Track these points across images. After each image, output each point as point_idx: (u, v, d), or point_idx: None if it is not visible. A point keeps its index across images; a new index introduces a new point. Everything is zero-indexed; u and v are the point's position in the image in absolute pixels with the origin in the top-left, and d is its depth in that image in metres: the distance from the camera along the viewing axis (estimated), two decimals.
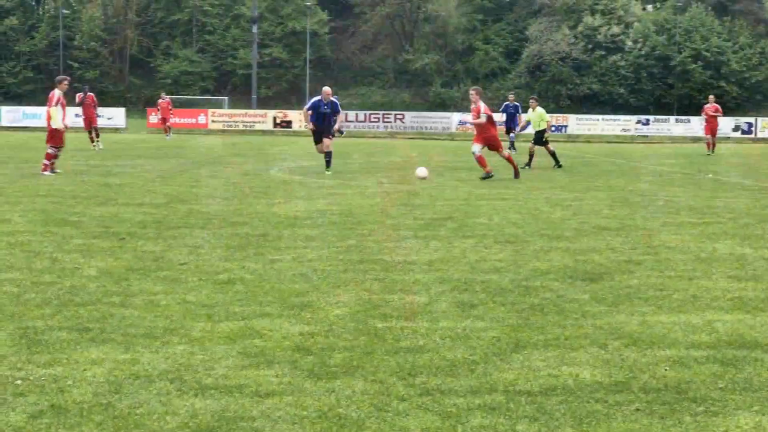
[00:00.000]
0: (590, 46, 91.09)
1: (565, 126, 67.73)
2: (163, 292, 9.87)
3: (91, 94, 42.26)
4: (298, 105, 77.23)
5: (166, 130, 55.11)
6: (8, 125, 65.94)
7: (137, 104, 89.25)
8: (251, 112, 72.88)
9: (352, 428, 5.87)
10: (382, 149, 45.46)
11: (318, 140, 27.94)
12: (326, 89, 28.07)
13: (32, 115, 67.23)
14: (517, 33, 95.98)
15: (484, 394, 6.59)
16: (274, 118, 68.19)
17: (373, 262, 11.84)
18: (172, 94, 79.18)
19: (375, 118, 69.53)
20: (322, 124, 27.70)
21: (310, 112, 27.72)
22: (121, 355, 7.47)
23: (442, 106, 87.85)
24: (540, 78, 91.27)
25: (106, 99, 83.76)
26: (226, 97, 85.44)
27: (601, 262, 12.08)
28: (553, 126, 67.41)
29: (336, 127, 28.18)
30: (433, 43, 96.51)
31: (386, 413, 6.16)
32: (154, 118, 62.03)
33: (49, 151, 25.59)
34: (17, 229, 14.51)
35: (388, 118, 69.48)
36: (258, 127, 67.64)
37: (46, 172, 25.10)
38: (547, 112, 35.83)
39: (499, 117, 39.41)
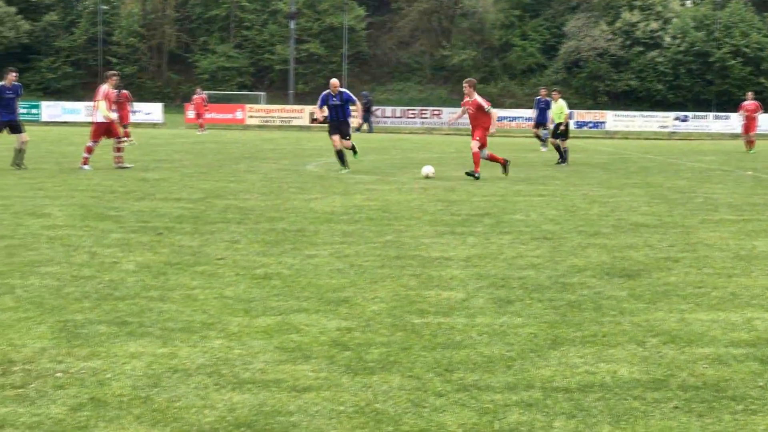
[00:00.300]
0: (628, 42, 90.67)
1: (603, 122, 67.45)
2: (201, 287, 9.92)
3: (126, 91, 42.37)
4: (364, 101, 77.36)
5: (201, 125, 55.35)
6: (48, 120, 66.46)
7: (175, 100, 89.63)
8: (288, 107, 73.07)
9: (389, 424, 5.88)
10: (419, 145, 45.44)
11: (333, 132, 26.84)
12: (333, 81, 27.29)
13: (72, 111, 67.77)
14: (555, 29, 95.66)
15: (521, 390, 6.58)
16: (311, 114, 68.31)
17: (410, 258, 11.84)
18: (210, 90, 79.54)
19: (412, 114, 69.55)
20: (336, 118, 26.84)
21: (324, 108, 26.90)
22: (160, 348, 7.51)
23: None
24: (577, 74, 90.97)
25: (144, 94, 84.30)
26: (262, 93, 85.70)
27: (638, 259, 12.03)
28: (591, 122, 67.19)
29: (355, 124, 27.26)
30: (470, 39, 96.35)
31: (423, 409, 6.16)
32: (191, 113, 62.32)
33: (89, 144, 25.78)
34: (57, 223, 14.61)
35: (425, 114, 69.49)
36: (295, 122, 67.80)
37: (85, 166, 25.31)
38: (585, 108, 35.73)
39: (531, 113, 39.21)
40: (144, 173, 24.12)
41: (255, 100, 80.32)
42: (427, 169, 24.79)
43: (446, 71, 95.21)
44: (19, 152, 25.11)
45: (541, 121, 40.90)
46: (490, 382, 6.75)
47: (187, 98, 73.86)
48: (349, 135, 26.90)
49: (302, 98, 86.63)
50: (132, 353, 7.36)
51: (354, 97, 27.26)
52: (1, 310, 8.71)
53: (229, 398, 6.31)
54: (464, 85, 25.64)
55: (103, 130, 26.10)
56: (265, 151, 36.52)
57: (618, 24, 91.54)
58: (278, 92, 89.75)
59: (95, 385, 6.55)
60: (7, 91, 25.85)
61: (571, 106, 42.47)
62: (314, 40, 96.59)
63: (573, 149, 32.54)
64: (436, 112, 69.32)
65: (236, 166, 27.22)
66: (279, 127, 65.78)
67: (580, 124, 66.89)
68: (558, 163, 31.54)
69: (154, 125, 63.32)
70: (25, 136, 25.46)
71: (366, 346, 7.64)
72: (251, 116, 69.01)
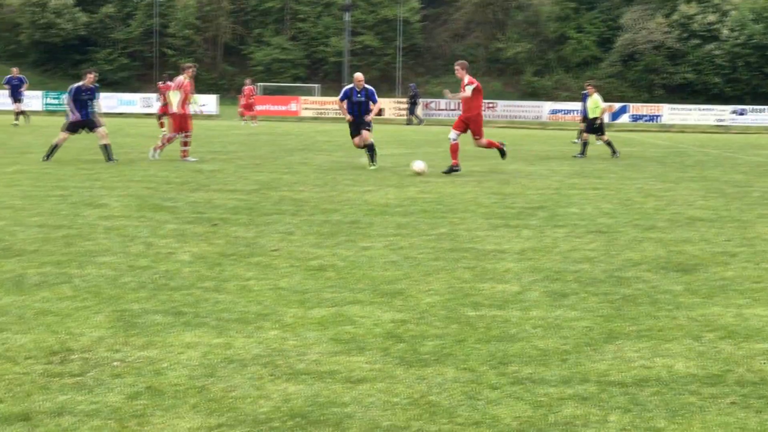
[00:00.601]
0: (685, 34, 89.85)
1: (659, 116, 66.98)
2: (256, 278, 9.96)
3: (170, 83, 42.48)
4: (388, 93, 77.30)
5: (253, 117, 55.56)
6: (104, 112, 66.96)
7: (229, 91, 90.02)
8: None
9: (443, 416, 5.88)
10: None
11: (355, 133, 25.31)
12: (358, 75, 25.84)
13: (128, 102, 68.29)
14: (610, 21, 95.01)
15: (576, 384, 6.55)
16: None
17: (464, 251, 11.83)
18: (264, 82, 79.82)
19: None
20: (358, 115, 25.19)
21: (344, 102, 25.45)
22: (215, 339, 7.55)
23: (534, 95, 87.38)
24: (633, 67, 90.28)
25: (199, 86, 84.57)
26: (316, 85, 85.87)
27: (695, 253, 11.93)
28: (646, 116, 66.73)
29: (368, 118, 25.21)
30: (525, 31, 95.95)
31: (477, 401, 6.16)
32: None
33: (182, 139, 26.01)
34: (113, 213, 14.73)
35: None
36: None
37: (187, 158, 25.51)
38: (640, 101, 35.42)
39: (578, 105, 38.86)
40: (199, 165, 24.25)
41: (309, 92, 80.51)
42: (419, 165, 23.04)
43: (501, 64, 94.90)
44: (105, 147, 25.04)
45: (586, 114, 40.71)
46: (545, 375, 6.73)
47: (239, 91, 74.24)
48: (369, 125, 25.27)
49: None
50: (188, 343, 7.41)
51: (376, 96, 25.70)
52: (60, 299, 8.80)
53: (284, 389, 6.34)
54: (456, 67, 24.19)
55: (179, 121, 26.20)
56: (319, 143, 36.61)
57: (675, 16, 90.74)
58: (332, 84, 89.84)
59: (152, 374, 6.61)
60: (85, 92, 25.64)
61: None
62: (369, 32, 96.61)
63: (628, 143, 32.31)
64: (490, 105, 69.09)
65: (290, 158, 27.30)
66: (333, 120, 65.88)
67: (636, 118, 66.47)
68: (576, 156, 31.31)
69: (209, 117, 63.59)
70: (103, 129, 25.33)
71: (420, 338, 7.65)
72: (306, 108, 69.20)
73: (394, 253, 11.58)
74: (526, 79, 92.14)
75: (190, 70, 26.73)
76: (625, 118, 66.85)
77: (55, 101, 71.67)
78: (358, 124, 25.21)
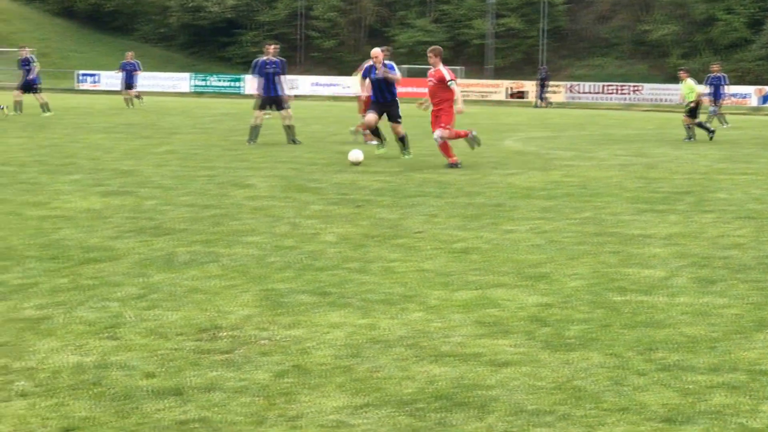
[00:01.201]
0: None
1: None
2: (400, 260, 10.01)
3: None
4: (531, 76, 76.61)
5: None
6: (252, 93, 67.98)
7: None
8: (485, 82, 72.95)
9: (589, 401, 5.83)
10: (618, 122, 44.76)
11: (376, 112, 22.04)
12: (375, 51, 22.45)
13: None
14: (762, 2, 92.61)
15: (726, 372, 6.43)
16: (508, 89, 68.07)
17: (609, 235, 11.70)
18: (407, 64, 79.92)
19: (610, 89, 68.54)
20: (380, 95, 22.02)
21: (366, 80, 22.97)
22: (360, 319, 7.61)
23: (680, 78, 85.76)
24: None
25: (343, 68, 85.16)
26: (459, 67, 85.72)
27: None
28: None
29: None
30: (672, 13, 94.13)
31: (624, 387, 6.09)
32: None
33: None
34: (259, 194, 14.96)
35: (623, 90, 68.37)
36: (492, 97, 67.66)
37: (368, 142, 25.00)
38: None
39: (705, 89, 38.05)
40: (343, 146, 24.40)
41: None
42: (355, 154, 20.34)
43: (646, 46, 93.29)
44: (289, 128, 25.13)
45: (715, 98, 40.00)
46: (693, 362, 6.62)
47: None
48: (399, 118, 22.04)
49: (500, 73, 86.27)
50: (333, 323, 7.48)
51: (395, 69, 22.40)
52: (209, 278, 8.98)
53: (429, 370, 6.36)
54: (428, 54, 21.15)
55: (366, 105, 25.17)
56: (461, 126, 36.51)
57: None
58: (475, 67, 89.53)
59: (298, 353, 6.69)
60: (269, 65, 24.94)
61: None
62: (512, 14, 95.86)
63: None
64: (636, 88, 68.10)
65: (431, 141, 27.24)
66: (475, 102, 65.75)
67: None
68: (686, 139, 30.59)
69: (352, 98, 63.98)
70: (289, 111, 25.30)
71: (565, 323, 7.59)
72: None
73: (539, 237, 11.52)
74: (672, 61, 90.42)
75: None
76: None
77: (203, 83, 73.04)
78: (380, 106, 22.08)
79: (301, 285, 8.77)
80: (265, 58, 25.34)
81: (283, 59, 25.95)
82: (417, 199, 14.65)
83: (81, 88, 73.41)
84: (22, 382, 5.94)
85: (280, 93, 25.22)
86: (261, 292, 8.46)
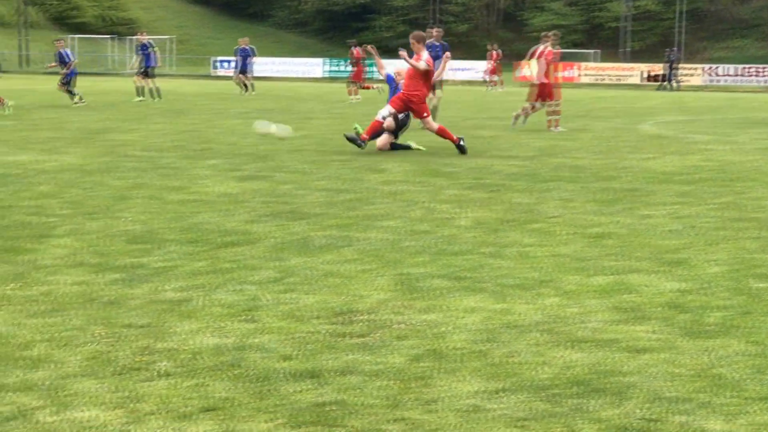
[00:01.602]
0: None
1: None
2: (535, 245, 9.95)
3: (357, 48, 42.16)
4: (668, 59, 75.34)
5: (495, 83, 55.32)
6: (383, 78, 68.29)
7: (509, 58, 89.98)
8: (620, 65, 72.00)
9: (729, 389, 5.71)
10: (759, 104, 43.78)
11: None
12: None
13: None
14: None
15: None
16: (644, 72, 67.09)
17: (749, 221, 11.46)
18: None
19: (750, 72, 67.10)
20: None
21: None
22: (495, 304, 7.59)
23: None
24: None
25: (475, 52, 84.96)
26: (593, 51, 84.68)
27: None
28: None
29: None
30: None
31: (766, 376, 5.95)
32: (526, 71, 62.35)
33: (550, 108, 25.39)
34: (394, 178, 15.01)
35: (765, 72, 66.86)
36: (628, 80, 66.79)
37: (555, 128, 24.93)
38: None
39: None
40: (477, 131, 24.36)
41: (586, 58, 79.52)
42: (264, 126, 20.10)
43: None
44: (434, 109, 25.02)
45: None
46: None
47: (519, 56, 74.13)
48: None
49: (636, 56, 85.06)
50: (468, 308, 7.47)
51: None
52: (344, 262, 9.04)
53: (565, 356, 6.31)
54: (411, 40, 19.72)
55: (542, 91, 25.23)
56: (597, 110, 36.16)
57: None
58: (611, 50, 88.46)
59: (433, 337, 6.70)
60: (437, 48, 24.79)
61: None
62: None
63: None
64: None
65: (568, 125, 27.03)
66: (610, 86, 65.01)
67: None
68: None
69: (484, 82, 63.77)
70: (439, 92, 25.25)
71: (704, 309, 7.45)
72: (585, 74, 68.56)
73: (676, 222, 11.33)
74: None
75: (552, 37, 25.80)
76: None
77: (336, 68, 73.59)
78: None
79: (436, 269, 8.77)
80: (432, 40, 25.25)
81: (445, 43, 25.83)
82: (552, 184, 14.55)
83: (217, 74, 74.59)
84: (164, 363, 6.06)
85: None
86: (396, 276, 8.49)
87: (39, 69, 72.62)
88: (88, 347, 6.36)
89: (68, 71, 34.85)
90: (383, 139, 19.50)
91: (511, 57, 77.80)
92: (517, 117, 25.69)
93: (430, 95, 22.75)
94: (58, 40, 38.09)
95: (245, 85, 45.40)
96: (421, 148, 19.48)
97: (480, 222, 11.24)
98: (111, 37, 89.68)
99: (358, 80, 41.17)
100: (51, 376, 5.79)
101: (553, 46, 25.47)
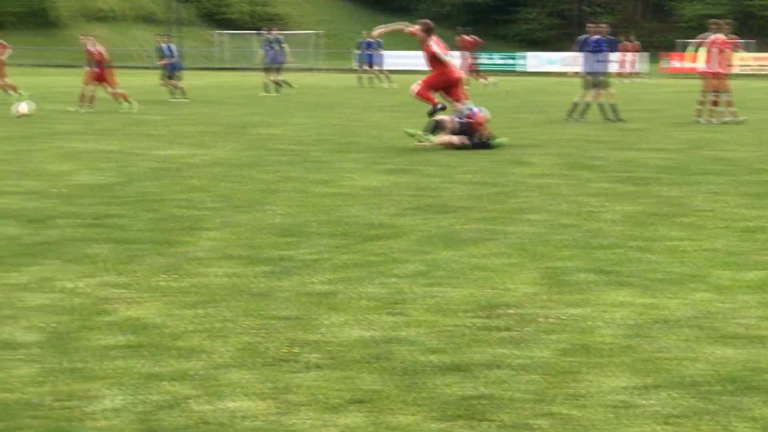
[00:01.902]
0: None
1: None
2: (685, 239, 9.78)
3: (467, 36, 41.53)
4: None
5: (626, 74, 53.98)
6: (531, 71, 68.13)
7: (657, 48, 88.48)
8: None
9: None
10: None
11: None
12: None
13: (551, 61, 68.75)
14: None
15: None
16: None
17: None
18: (689, 39, 77.89)
19: None
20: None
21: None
22: (644, 299, 7.48)
23: None
24: None
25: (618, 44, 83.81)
26: (746, 40, 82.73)
27: None
28: None
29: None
30: None
31: None
32: (674, 62, 61.43)
33: (717, 98, 24.85)
34: (540, 171, 14.92)
35: None
36: None
37: (706, 119, 24.55)
38: None
39: None
40: (625, 124, 24.01)
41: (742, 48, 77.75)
42: (21, 108, 20.91)
43: None
44: (612, 107, 24.67)
45: None
46: None
47: (665, 48, 72.99)
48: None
49: None
50: (616, 302, 7.38)
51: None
52: (490, 255, 9.02)
53: (717, 352, 6.18)
54: (417, 27, 19.41)
55: (715, 79, 24.67)
56: (750, 101, 35.31)
57: None
58: (765, 39, 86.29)
59: (581, 331, 6.64)
60: (603, 43, 25.01)
61: None
62: None
63: None
64: None
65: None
66: (765, 77, 63.52)
67: None
68: None
69: (630, 75, 62.95)
70: (611, 89, 25.22)
71: None
72: (740, 65, 67.28)
73: None
74: None
75: (725, 27, 25.20)
76: None
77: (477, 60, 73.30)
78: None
79: (583, 263, 8.69)
80: (588, 36, 25.29)
81: (612, 38, 26.14)
82: (702, 177, 14.27)
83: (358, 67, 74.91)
84: (313, 355, 6.13)
85: (603, 71, 25.16)
86: (542, 270, 8.44)
87: (187, 65, 73.98)
88: (238, 338, 6.47)
89: (167, 63, 34.88)
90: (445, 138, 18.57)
91: (659, 48, 76.56)
92: (708, 115, 24.87)
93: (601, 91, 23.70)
94: (161, 35, 38.32)
95: (373, 78, 45.35)
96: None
97: (628, 215, 11.09)
98: (258, 33, 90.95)
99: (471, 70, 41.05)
100: (203, 366, 5.91)
101: (726, 34, 24.90)
